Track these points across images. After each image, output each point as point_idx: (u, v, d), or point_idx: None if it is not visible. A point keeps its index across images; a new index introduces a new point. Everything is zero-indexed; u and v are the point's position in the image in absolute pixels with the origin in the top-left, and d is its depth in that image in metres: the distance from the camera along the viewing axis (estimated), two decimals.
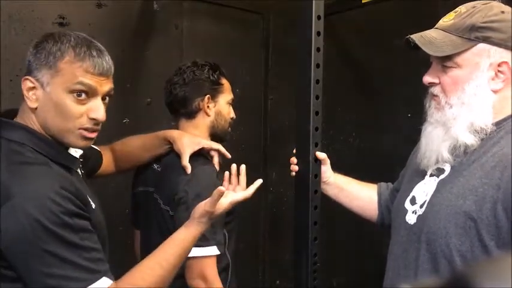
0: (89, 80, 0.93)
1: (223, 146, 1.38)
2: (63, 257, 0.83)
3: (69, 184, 0.90)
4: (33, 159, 0.91)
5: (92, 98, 0.95)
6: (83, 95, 0.93)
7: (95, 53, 0.94)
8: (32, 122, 0.95)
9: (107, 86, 0.97)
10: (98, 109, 0.95)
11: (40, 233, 0.81)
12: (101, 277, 0.87)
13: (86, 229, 0.89)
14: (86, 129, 0.95)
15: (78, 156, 1.05)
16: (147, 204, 1.38)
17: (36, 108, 0.94)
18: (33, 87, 0.93)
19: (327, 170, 1.30)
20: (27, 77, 0.93)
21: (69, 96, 0.93)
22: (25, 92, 0.93)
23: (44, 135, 0.95)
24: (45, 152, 0.94)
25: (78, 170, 1.06)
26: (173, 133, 1.35)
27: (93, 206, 0.98)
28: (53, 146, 0.96)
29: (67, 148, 1.01)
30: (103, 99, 0.97)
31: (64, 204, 0.85)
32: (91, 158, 1.26)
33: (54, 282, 0.83)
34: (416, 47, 1.02)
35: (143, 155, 1.40)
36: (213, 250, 1.22)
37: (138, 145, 1.40)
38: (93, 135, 0.98)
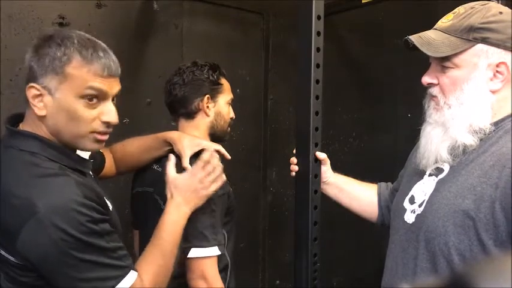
0: (99, 84, 0.92)
1: (223, 146, 1.37)
2: (94, 261, 0.88)
3: (90, 191, 0.92)
4: (52, 171, 0.90)
5: (102, 101, 0.94)
6: (94, 99, 0.93)
7: (101, 54, 0.92)
8: (41, 130, 0.94)
9: (116, 87, 0.96)
10: (110, 112, 0.96)
11: (71, 244, 0.85)
12: (129, 271, 0.93)
13: (109, 231, 0.92)
14: (98, 132, 0.96)
15: (87, 158, 1.05)
16: (146, 204, 1.38)
17: (45, 116, 0.92)
18: (40, 95, 0.90)
19: (327, 170, 1.31)
20: (32, 84, 0.90)
21: (80, 101, 0.92)
22: (31, 100, 0.91)
23: (55, 142, 0.94)
24: (58, 159, 0.93)
25: (90, 172, 1.06)
26: (173, 134, 1.34)
27: (110, 207, 1.00)
28: (64, 153, 0.95)
29: (75, 151, 1.00)
30: (112, 100, 0.97)
31: (90, 213, 0.87)
32: (95, 160, 1.26)
33: (89, 285, 0.88)
34: (414, 48, 1.02)
35: (143, 157, 1.39)
36: (214, 250, 1.23)
37: (138, 147, 1.39)
38: (105, 137, 0.98)
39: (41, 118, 0.92)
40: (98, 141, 0.97)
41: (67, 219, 0.84)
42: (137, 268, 0.99)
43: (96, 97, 0.93)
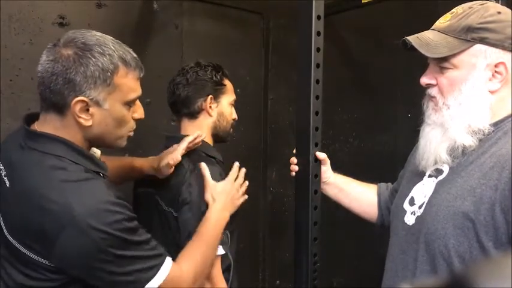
0: (139, 86, 0.98)
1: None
2: (134, 256, 0.92)
3: (118, 191, 0.94)
4: (82, 175, 0.91)
5: None
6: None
7: (134, 55, 0.95)
8: (73, 136, 0.94)
9: None
10: (140, 109, 1.02)
11: (111, 242, 0.88)
12: (165, 258, 0.98)
13: (139, 226, 0.96)
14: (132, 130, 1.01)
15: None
16: (148, 205, 1.38)
17: (90, 126, 0.93)
18: (87, 107, 0.91)
19: (327, 170, 1.31)
20: (79, 98, 0.89)
21: (126, 107, 0.96)
22: (78, 113, 0.90)
23: (78, 146, 0.94)
24: (81, 162, 0.93)
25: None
26: (143, 165, 1.33)
27: None
28: (87, 157, 0.96)
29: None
30: None
31: (123, 211, 0.91)
32: None
33: (132, 277, 0.92)
34: (412, 49, 1.01)
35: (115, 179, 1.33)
36: (219, 250, 1.23)
37: (115, 168, 1.32)
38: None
39: (85, 127, 0.93)
40: (129, 137, 1.02)
41: (104, 220, 0.87)
42: (178, 259, 1.04)
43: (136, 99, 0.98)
